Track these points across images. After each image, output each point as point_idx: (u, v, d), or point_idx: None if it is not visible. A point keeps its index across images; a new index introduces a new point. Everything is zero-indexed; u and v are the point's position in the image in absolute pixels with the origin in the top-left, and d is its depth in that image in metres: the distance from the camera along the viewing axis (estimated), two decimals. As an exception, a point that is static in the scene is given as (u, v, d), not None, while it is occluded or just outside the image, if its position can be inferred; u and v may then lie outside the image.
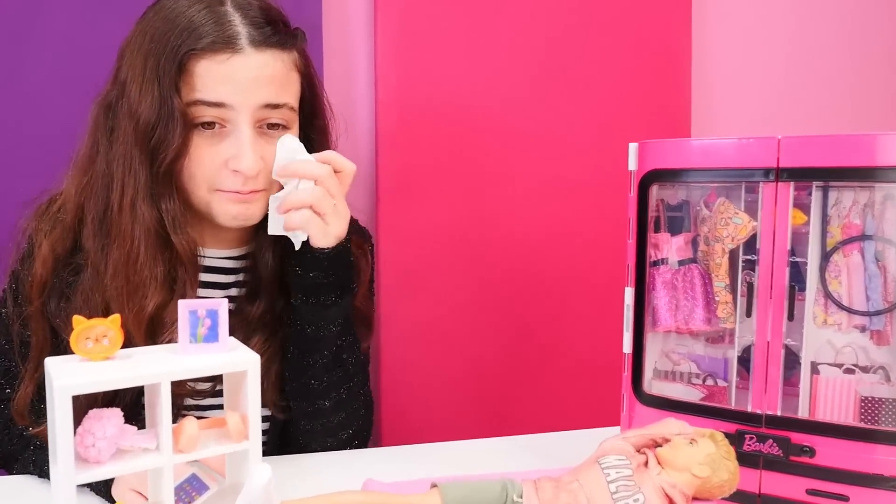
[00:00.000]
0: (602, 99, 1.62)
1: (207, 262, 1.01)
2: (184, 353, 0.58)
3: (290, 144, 0.92)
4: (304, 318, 0.96)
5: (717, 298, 0.84)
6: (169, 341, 0.86)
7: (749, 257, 0.81)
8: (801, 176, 0.76)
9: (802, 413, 0.79)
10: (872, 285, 0.77)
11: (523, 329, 1.62)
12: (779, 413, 0.78)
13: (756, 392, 0.79)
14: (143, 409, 0.58)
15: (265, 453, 1.02)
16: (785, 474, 0.77)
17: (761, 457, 0.78)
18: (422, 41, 1.52)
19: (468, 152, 1.56)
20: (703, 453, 0.65)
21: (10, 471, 0.98)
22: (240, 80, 0.87)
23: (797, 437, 0.77)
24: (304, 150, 0.93)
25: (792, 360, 0.80)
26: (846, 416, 0.78)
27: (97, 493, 0.86)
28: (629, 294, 0.86)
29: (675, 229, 0.87)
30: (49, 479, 0.57)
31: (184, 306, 0.58)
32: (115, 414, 0.55)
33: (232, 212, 0.93)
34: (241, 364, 0.58)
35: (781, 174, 0.76)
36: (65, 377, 0.52)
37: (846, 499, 0.75)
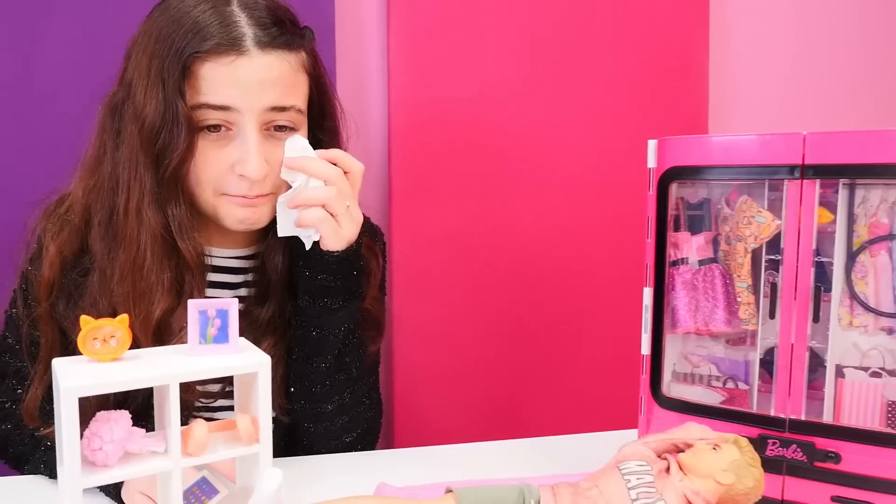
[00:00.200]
0: (618, 95, 1.60)
1: (216, 262, 1.00)
2: (193, 354, 0.57)
3: (297, 144, 0.91)
4: (309, 321, 0.95)
5: (738, 299, 0.82)
6: None
7: (772, 257, 0.79)
8: (827, 173, 0.74)
9: (827, 418, 0.77)
10: (900, 286, 0.75)
11: (539, 330, 1.60)
12: (803, 417, 0.76)
13: (779, 396, 0.77)
14: None
15: (272, 455, 1.01)
16: (809, 480, 0.75)
17: (785, 462, 0.76)
18: (435, 39, 1.50)
19: (482, 152, 1.54)
20: (728, 460, 0.63)
21: (21, 471, 0.98)
22: (245, 82, 0.86)
23: (822, 443, 0.75)
24: (312, 149, 0.91)
25: (816, 362, 0.78)
26: (872, 420, 0.76)
27: (107, 495, 0.85)
28: (648, 294, 0.85)
29: (695, 228, 0.85)
30: (59, 480, 0.56)
31: (193, 306, 0.57)
32: (124, 416, 0.54)
33: (239, 216, 0.92)
34: (252, 366, 0.57)
35: (807, 171, 0.74)
36: (71, 378, 0.51)
37: (872, 506, 0.72)
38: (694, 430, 0.68)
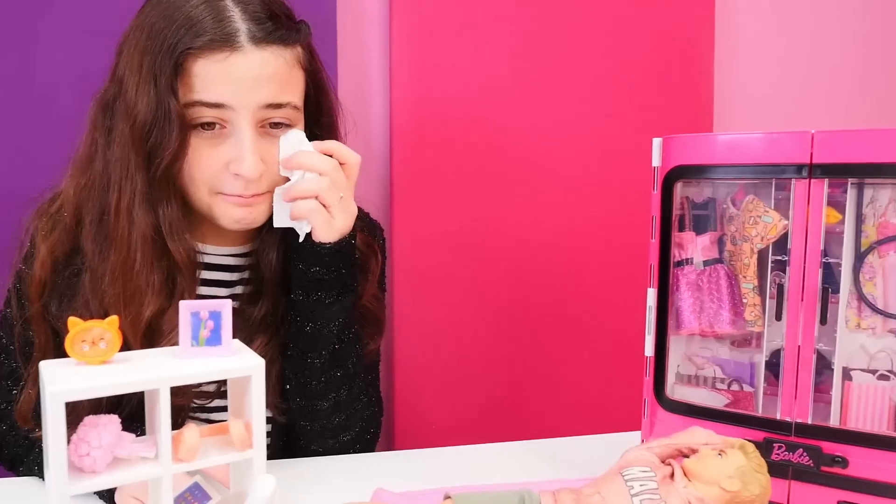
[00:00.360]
0: (621, 94, 1.58)
1: (211, 260, 0.99)
2: (184, 356, 0.55)
3: (293, 138, 0.89)
4: (303, 315, 0.94)
5: (744, 300, 0.81)
6: None
7: (779, 258, 0.78)
8: (836, 172, 0.73)
9: (834, 421, 0.76)
10: (909, 288, 0.74)
11: (541, 330, 1.58)
12: (809, 421, 0.75)
13: (785, 399, 0.76)
14: None
15: (268, 456, 1.00)
16: (816, 485, 0.74)
17: (791, 467, 0.75)
18: (437, 37, 1.49)
19: (484, 150, 1.53)
20: (733, 466, 0.62)
21: (17, 473, 0.97)
22: (239, 79, 0.84)
23: (829, 447, 0.73)
24: (308, 142, 0.90)
25: (823, 365, 0.76)
26: (880, 424, 0.75)
27: (101, 498, 0.84)
28: (652, 295, 0.84)
29: (700, 228, 0.84)
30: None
31: (185, 307, 0.55)
32: (112, 421, 0.53)
33: (235, 216, 0.90)
34: (245, 369, 0.55)
35: (815, 170, 0.73)
36: (57, 382, 0.49)
37: (881, 512, 0.71)
38: (698, 434, 0.66)
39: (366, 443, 1.03)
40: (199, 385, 0.92)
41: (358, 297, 0.98)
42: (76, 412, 0.56)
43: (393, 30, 1.47)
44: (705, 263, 0.83)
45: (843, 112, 1.76)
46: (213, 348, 0.56)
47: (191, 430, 0.54)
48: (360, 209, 1.06)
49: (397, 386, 1.52)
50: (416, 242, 1.51)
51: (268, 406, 0.96)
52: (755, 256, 0.80)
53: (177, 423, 0.56)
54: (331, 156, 0.91)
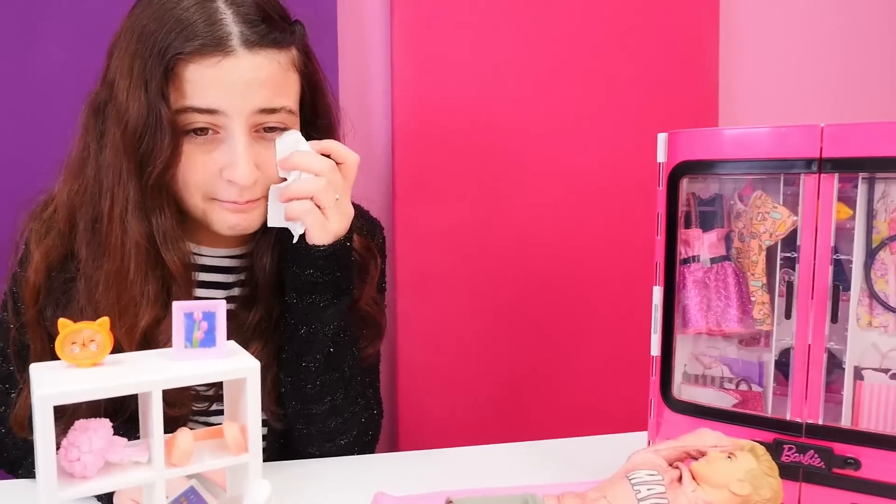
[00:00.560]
0: (625, 90, 1.57)
1: (207, 262, 0.98)
2: (178, 358, 0.54)
3: (289, 139, 0.88)
4: (297, 318, 0.92)
5: (752, 298, 0.79)
6: None
7: (788, 254, 0.77)
8: (846, 167, 0.71)
9: (845, 422, 0.74)
10: (922, 285, 0.72)
11: (546, 330, 1.57)
12: (820, 422, 0.73)
13: (795, 399, 0.74)
14: None
15: (264, 460, 0.99)
16: (827, 487, 0.73)
17: (801, 469, 0.73)
18: (438, 34, 1.47)
19: (487, 149, 1.51)
20: (743, 469, 0.60)
21: (16, 475, 0.96)
22: (232, 84, 0.82)
23: (840, 448, 0.72)
24: (305, 142, 0.89)
25: (834, 364, 0.75)
26: (893, 425, 0.73)
27: (99, 500, 0.83)
28: (657, 293, 0.82)
29: (707, 225, 0.83)
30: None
31: (178, 308, 0.54)
32: (103, 425, 0.52)
33: (230, 222, 0.89)
34: (240, 371, 0.54)
35: (824, 165, 0.71)
36: (46, 386, 0.48)
37: (894, 515, 0.70)
38: (707, 436, 0.65)
39: (364, 445, 1.02)
40: (197, 392, 0.91)
41: (354, 300, 0.97)
42: (77, 416, 0.55)
43: (394, 27, 1.46)
44: (712, 261, 0.82)
45: (850, 106, 1.74)
46: (207, 350, 0.54)
47: (184, 434, 0.53)
48: (359, 207, 1.05)
49: (400, 386, 1.51)
50: (419, 241, 1.50)
51: (264, 411, 0.95)
52: (763, 253, 0.78)
53: (177, 428, 0.54)
54: (328, 156, 0.89)
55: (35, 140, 1.27)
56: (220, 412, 0.95)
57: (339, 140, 0.97)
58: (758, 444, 0.64)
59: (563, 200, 1.55)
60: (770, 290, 0.79)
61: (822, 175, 0.72)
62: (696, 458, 0.65)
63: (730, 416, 0.78)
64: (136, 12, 0.86)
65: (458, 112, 1.49)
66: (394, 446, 1.51)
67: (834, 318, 0.73)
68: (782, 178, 0.76)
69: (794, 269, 0.75)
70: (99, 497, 0.82)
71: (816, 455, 0.72)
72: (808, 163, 0.72)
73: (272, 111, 0.86)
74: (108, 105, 0.86)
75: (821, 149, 0.71)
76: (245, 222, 0.89)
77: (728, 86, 1.66)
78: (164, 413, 0.82)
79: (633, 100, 1.57)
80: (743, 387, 0.83)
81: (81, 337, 0.52)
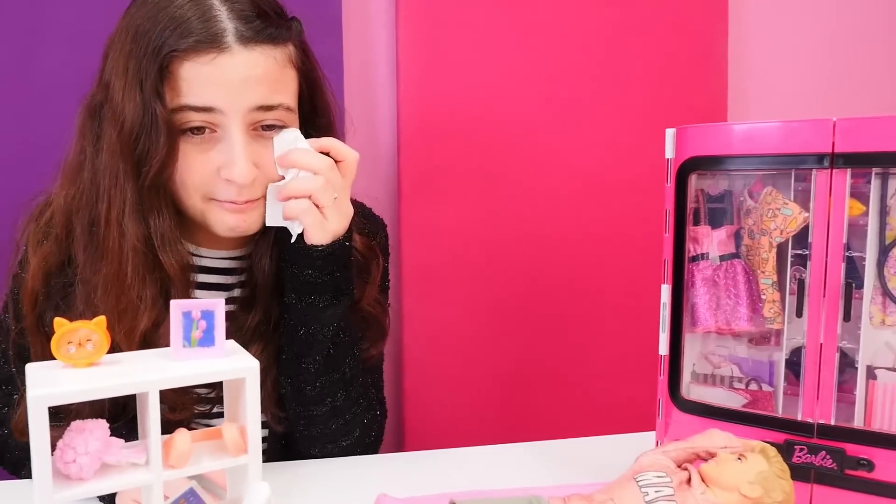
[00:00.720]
0: (633, 85, 1.55)
1: (207, 263, 0.97)
2: (176, 358, 0.53)
3: (287, 136, 0.87)
4: (296, 319, 0.91)
5: (763, 296, 0.78)
6: None
7: (799, 252, 0.75)
8: (859, 162, 0.70)
9: (858, 422, 0.73)
10: (937, 283, 0.71)
11: (553, 329, 1.56)
12: (832, 422, 0.72)
13: (807, 399, 0.73)
14: None
15: (266, 461, 0.98)
16: (839, 489, 0.71)
17: (813, 470, 0.72)
18: (445, 34, 1.46)
19: (493, 146, 1.50)
20: (754, 471, 0.59)
21: (19, 476, 0.96)
22: (228, 81, 0.82)
23: (853, 449, 0.71)
24: (304, 139, 0.88)
25: (846, 363, 0.74)
26: (907, 425, 0.72)
27: (101, 500, 0.82)
28: (666, 292, 0.81)
29: (716, 222, 0.82)
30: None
31: (176, 307, 0.53)
32: (100, 426, 0.51)
33: (229, 223, 0.88)
34: (239, 371, 0.53)
35: (837, 160, 0.70)
36: (41, 386, 0.47)
37: (908, 517, 0.69)
38: (717, 437, 0.64)
39: (367, 446, 1.01)
40: (199, 395, 0.90)
41: (355, 300, 0.96)
42: (80, 417, 0.54)
43: (399, 25, 1.45)
44: (721, 258, 0.81)
45: (862, 101, 1.72)
46: (205, 349, 0.53)
47: (182, 435, 0.52)
48: (361, 205, 1.04)
49: (407, 387, 1.50)
50: (425, 240, 1.49)
51: (264, 412, 0.94)
52: (774, 251, 0.77)
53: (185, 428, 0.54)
54: (328, 154, 0.88)
55: (36, 140, 1.27)
56: (223, 415, 0.95)
57: (338, 138, 0.96)
58: (769, 446, 0.63)
59: (570, 198, 1.54)
60: (781, 287, 0.78)
61: (835, 170, 0.70)
62: (705, 460, 0.64)
63: (740, 417, 0.77)
64: (131, 12, 0.85)
65: (464, 109, 1.48)
66: (400, 446, 1.50)
67: (846, 317, 0.72)
68: (793, 173, 0.75)
69: (805, 267, 0.74)
70: (101, 498, 0.82)
71: (828, 456, 0.71)
72: (819, 158, 0.71)
73: (269, 108, 0.85)
74: (104, 107, 0.85)
75: (833, 143, 0.70)
76: (245, 224, 0.88)
77: (737, 80, 1.64)
78: (167, 417, 0.82)
79: (640, 95, 1.55)
80: (753, 386, 0.83)
81: (78, 336, 0.51)
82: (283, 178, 0.88)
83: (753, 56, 1.67)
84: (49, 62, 1.28)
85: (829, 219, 0.71)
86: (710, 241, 0.81)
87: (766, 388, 0.82)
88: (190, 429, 0.56)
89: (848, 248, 0.72)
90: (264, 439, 1.00)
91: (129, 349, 0.83)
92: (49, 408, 0.46)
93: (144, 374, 0.50)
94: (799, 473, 0.71)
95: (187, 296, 0.89)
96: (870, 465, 0.70)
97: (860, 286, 0.73)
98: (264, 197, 0.88)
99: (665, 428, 0.82)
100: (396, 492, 0.75)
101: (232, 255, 0.98)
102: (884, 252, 0.73)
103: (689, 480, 0.62)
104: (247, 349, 0.89)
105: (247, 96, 0.83)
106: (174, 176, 0.85)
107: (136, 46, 0.82)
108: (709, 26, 1.59)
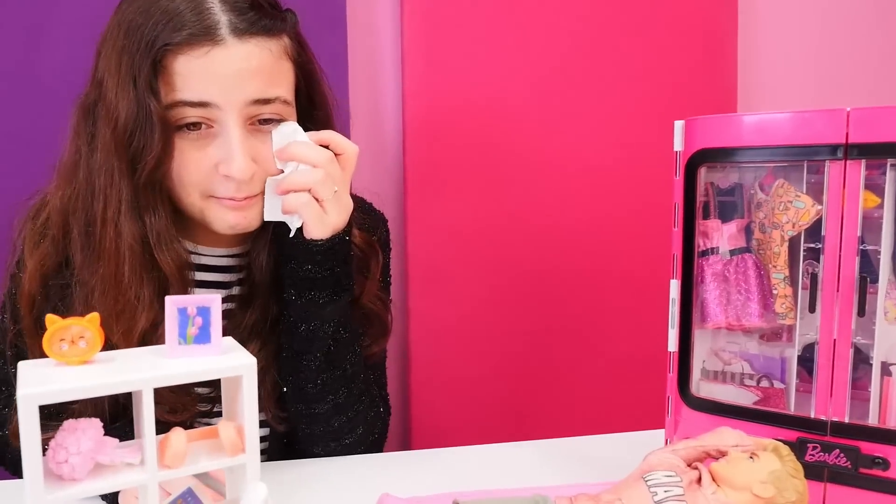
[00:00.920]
0: (641, 78, 1.54)
1: (206, 261, 0.96)
2: (171, 355, 0.52)
3: (286, 130, 0.86)
4: (296, 315, 0.91)
5: (774, 291, 0.77)
6: None
7: (812, 245, 0.74)
8: (874, 153, 0.68)
9: (873, 420, 0.71)
10: (954, 277, 0.70)
11: (560, 326, 1.55)
12: (846, 420, 0.71)
13: (820, 396, 0.72)
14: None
15: (267, 460, 0.96)
16: (854, 488, 0.70)
17: (827, 469, 0.71)
18: (450, 28, 1.45)
19: (500, 142, 1.49)
20: (766, 470, 0.58)
21: (20, 476, 0.95)
22: (223, 75, 0.81)
23: (867, 447, 0.70)
24: (303, 132, 0.87)
25: (860, 360, 0.72)
26: (923, 423, 0.71)
27: (103, 499, 0.81)
28: (675, 287, 0.80)
29: (726, 215, 0.80)
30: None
31: (171, 303, 0.52)
32: (93, 425, 0.49)
33: (229, 221, 0.87)
34: (235, 369, 0.52)
35: (851, 151, 0.68)
36: (31, 385, 0.46)
37: (924, 517, 0.68)
38: (728, 435, 0.63)
39: (370, 444, 1.00)
40: (199, 395, 0.89)
41: (355, 296, 0.95)
42: (79, 416, 0.53)
43: (405, 23, 1.44)
44: (732, 253, 0.80)
45: (875, 90, 1.70)
46: (201, 346, 0.52)
47: (177, 434, 0.51)
48: (361, 200, 1.03)
49: (413, 385, 1.50)
50: (431, 238, 1.48)
51: (263, 411, 0.93)
52: (786, 244, 0.76)
53: (186, 427, 0.53)
54: (327, 147, 0.87)
55: (36, 140, 1.26)
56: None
57: (337, 131, 0.95)
58: (781, 444, 0.62)
59: (577, 192, 1.52)
60: (793, 282, 0.76)
61: (848, 162, 0.69)
62: (716, 459, 0.63)
63: (751, 414, 0.76)
64: (123, 8, 0.85)
65: (470, 104, 1.47)
66: (406, 444, 1.49)
67: (861, 312, 0.71)
68: (805, 165, 0.74)
69: (818, 261, 0.72)
70: (104, 496, 0.81)
71: (842, 454, 0.70)
72: (833, 149, 0.69)
73: (266, 101, 0.84)
74: (98, 105, 0.84)
75: (847, 134, 0.68)
76: (245, 221, 0.88)
77: (747, 71, 1.62)
78: (167, 419, 0.80)
79: (649, 88, 1.54)
80: (764, 383, 0.81)
81: (70, 334, 0.50)
82: (282, 172, 0.87)
83: (764, 46, 1.65)
84: (48, 62, 1.27)
85: (843, 211, 0.70)
86: (721, 236, 0.80)
87: (777, 384, 0.80)
88: (189, 429, 0.55)
89: (862, 241, 0.70)
90: (266, 439, 0.99)
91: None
92: (49, 407, 0.46)
93: (138, 372, 0.49)
94: (812, 472, 0.70)
95: (185, 294, 0.89)
96: (885, 464, 0.69)
97: (875, 280, 0.71)
98: (263, 193, 0.87)
99: (674, 426, 0.81)
100: (400, 491, 0.74)
101: (230, 252, 0.97)
102: (899, 245, 0.71)
103: (699, 480, 0.60)
104: (246, 347, 0.88)
105: (242, 90, 0.82)
106: (171, 174, 0.84)
107: (129, 42, 0.81)
108: (718, 16, 1.57)
